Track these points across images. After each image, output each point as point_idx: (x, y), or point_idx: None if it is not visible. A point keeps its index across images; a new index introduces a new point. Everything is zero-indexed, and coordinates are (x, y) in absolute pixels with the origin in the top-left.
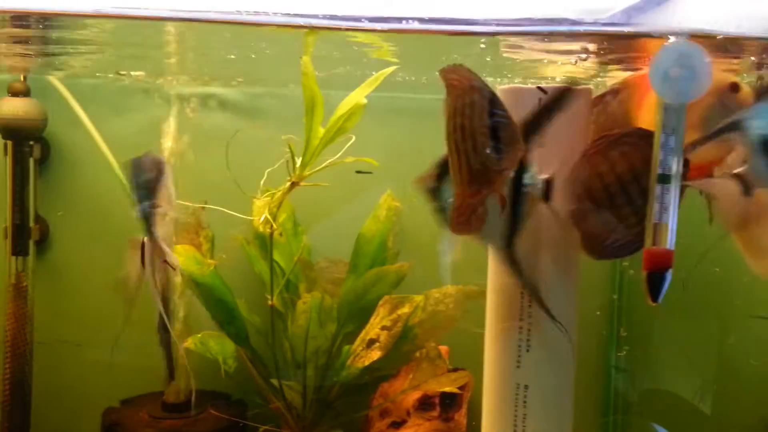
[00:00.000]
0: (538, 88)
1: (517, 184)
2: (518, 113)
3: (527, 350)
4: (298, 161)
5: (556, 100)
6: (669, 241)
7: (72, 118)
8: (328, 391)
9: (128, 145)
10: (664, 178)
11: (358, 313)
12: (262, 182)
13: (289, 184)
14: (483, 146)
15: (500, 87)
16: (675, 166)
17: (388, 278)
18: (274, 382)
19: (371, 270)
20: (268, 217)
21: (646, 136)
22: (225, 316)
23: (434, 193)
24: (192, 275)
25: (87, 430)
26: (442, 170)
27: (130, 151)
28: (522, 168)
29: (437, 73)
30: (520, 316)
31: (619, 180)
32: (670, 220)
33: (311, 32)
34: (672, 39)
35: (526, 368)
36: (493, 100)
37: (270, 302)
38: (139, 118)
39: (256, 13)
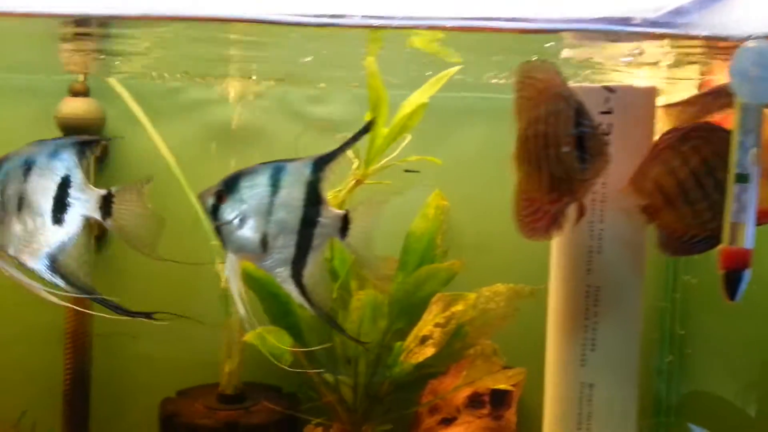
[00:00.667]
0: (605, 87)
1: (310, 217)
2: None
3: (592, 349)
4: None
5: None
6: (747, 240)
7: (129, 117)
8: (378, 386)
9: (186, 144)
10: (742, 178)
11: (409, 310)
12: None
13: (353, 182)
14: (567, 156)
15: None
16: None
17: (439, 276)
18: (328, 377)
19: (422, 267)
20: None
21: (715, 129)
22: (279, 310)
23: (214, 211)
24: (246, 270)
25: (144, 419)
26: (225, 188)
27: (187, 150)
28: (316, 198)
29: (508, 71)
30: (585, 316)
31: (694, 174)
32: (748, 219)
33: (376, 33)
34: (752, 40)
35: (591, 367)
36: (579, 110)
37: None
38: (197, 117)
39: (317, 15)
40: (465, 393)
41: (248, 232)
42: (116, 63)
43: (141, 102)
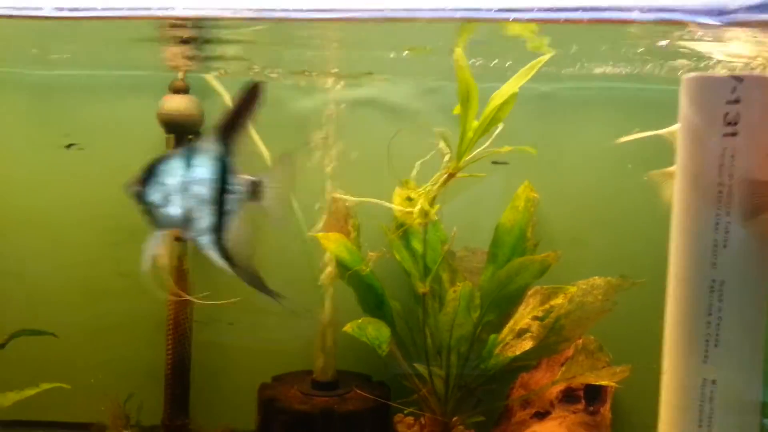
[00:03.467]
0: (732, 77)
1: (222, 186)
2: (709, 102)
3: (715, 345)
4: (447, 155)
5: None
6: None
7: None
8: (469, 378)
9: (280, 138)
10: None
11: (500, 303)
12: (412, 174)
13: (445, 175)
14: None
15: (686, 76)
16: None
17: (533, 268)
18: (420, 368)
19: (515, 260)
20: (425, 207)
21: None
22: (374, 302)
23: (139, 196)
24: (342, 261)
25: (240, 403)
26: (147, 174)
27: (282, 144)
28: (225, 170)
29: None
30: (708, 311)
31: None
32: None
33: (466, 25)
34: None
35: (713, 363)
36: None
37: (422, 290)
38: (291, 113)
39: (406, 9)
40: (558, 387)
41: (170, 209)
42: (214, 61)
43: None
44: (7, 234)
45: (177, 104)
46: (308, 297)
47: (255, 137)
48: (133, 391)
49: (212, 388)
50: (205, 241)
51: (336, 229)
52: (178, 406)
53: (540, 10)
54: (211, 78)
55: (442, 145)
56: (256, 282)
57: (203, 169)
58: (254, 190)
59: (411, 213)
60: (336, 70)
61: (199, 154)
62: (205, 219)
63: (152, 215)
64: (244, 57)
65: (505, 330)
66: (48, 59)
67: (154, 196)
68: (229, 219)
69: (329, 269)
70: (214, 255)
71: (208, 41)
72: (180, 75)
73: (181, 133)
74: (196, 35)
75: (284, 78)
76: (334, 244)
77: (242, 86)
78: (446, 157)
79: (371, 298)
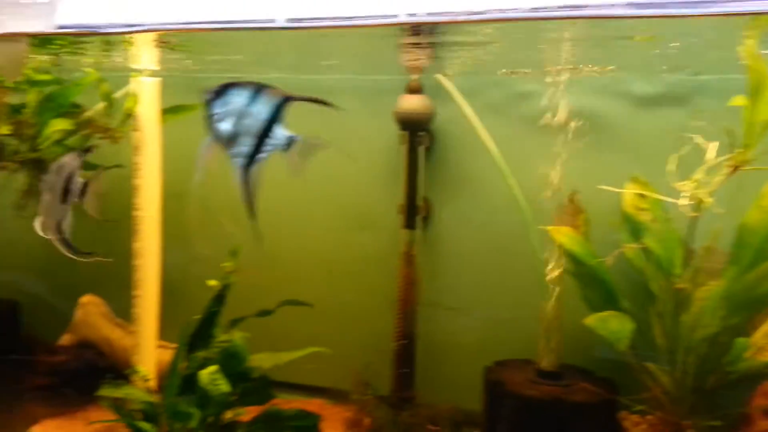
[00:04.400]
0: None
1: (268, 128)
2: None
3: None
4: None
5: None
6: None
7: (454, 111)
8: (707, 380)
9: (507, 135)
10: None
11: (747, 306)
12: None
13: (731, 168)
14: None
15: None
16: None
17: None
18: (651, 366)
19: (765, 263)
20: (704, 199)
21: None
22: (605, 297)
23: (208, 103)
24: (574, 255)
25: (462, 382)
26: (221, 90)
27: (512, 140)
28: (275, 118)
29: None
30: None
31: None
32: None
33: (758, 18)
34: None
35: None
36: None
37: (677, 286)
38: (523, 109)
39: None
40: None
41: (224, 125)
42: (447, 61)
43: (470, 96)
44: (265, 221)
45: (412, 103)
46: (532, 290)
47: (483, 135)
48: (368, 363)
49: (435, 366)
50: (240, 163)
51: (566, 223)
52: (406, 381)
53: None
54: (442, 78)
55: (700, 140)
56: (251, 209)
57: (262, 108)
58: (287, 143)
59: (644, 210)
60: (579, 64)
61: (265, 96)
62: (246, 147)
63: (210, 124)
64: (477, 56)
65: (758, 334)
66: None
67: (217, 109)
68: (261, 156)
69: (557, 263)
70: (238, 175)
71: (442, 44)
72: (415, 76)
73: (414, 130)
74: (432, 40)
75: (517, 75)
76: (566, 238)
77: None
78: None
79: (601, 294)
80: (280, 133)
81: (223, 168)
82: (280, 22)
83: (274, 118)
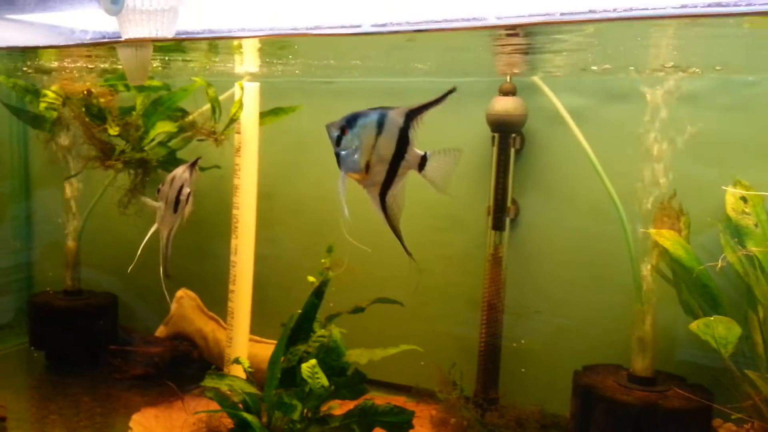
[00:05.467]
0: None
1: (399, 151)
2: None
3: None
4: None
5: None
6: None
7: (546, 113)
8: None
9: (604, 137)
10: None
11: None
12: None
13: None
14: None
15: None
16: None
17: None
18: (751, 374)
19: None
20: None
21: None
22: (709, 302)
23: (338, 140)
24: (678, 259)
25: (547, 386)
26: (347, 124)
27: (610, 142)
28: (404, 140)
29: None
30: None
31: None
32: None
33: None
34: None
35: None
36: None
37: None
38: (626, 111)
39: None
40: None
41: (356, 158)
42: (541, 63)
43: (567, 97)
44: (352, 219)
45: (505, 105)
46: (622, 295)
47: (579, 137)
48: (453, 363)
49: (518, 368)
50: (375, 192)
51: (667, 226)
52: (490, 381)
53: None
54: (537, 80)
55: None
56: (398, 235)
57: (389, 133)
58: (421, 162)
59: (747, 214)
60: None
61: (389, 120)
62: (380, 174)
63: (340, 158)
64: (569, 58)
65: None
66: (396, 68)
67: (345, 143)
68: (397, 179)
69: (654, 267)
70: (377, 204)
71: (536, 46)
72: (508, 78)
73: (506, 132)
74: (527, 41)
75: (617, 75)
76: (669, 242)
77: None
78: None
79: (706, 298)
80: (412, 152)
81: (309, 166)
82: (366, 27)
83: (403, 140)
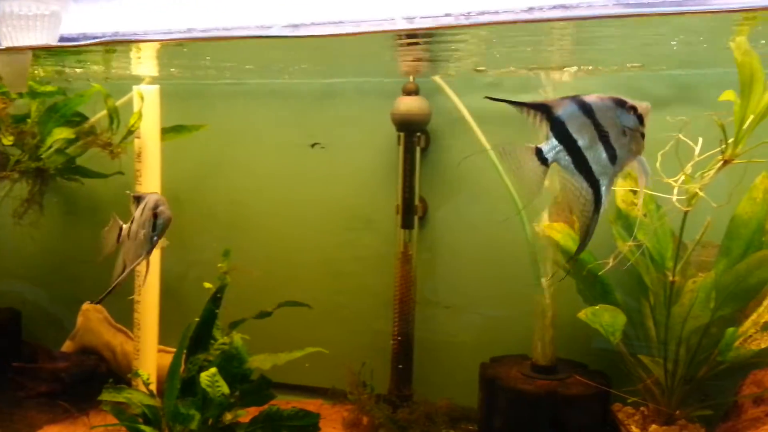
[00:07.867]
0: None
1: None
2: None
3: None
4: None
5: None
6: None
7: (450, 112)
8: (697, 371)
9: (502, 135)
10: None
11: (736, 297)
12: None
13: (720, 163)
14: None
15: None
16: None
17: None
18: (644, 358)
19: (755, 254)
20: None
21: None
22: (599, 291)
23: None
24: (569, 252)
25: (458, 379)
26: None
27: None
28: None
29: None
30: None
31: None
32: None
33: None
34: None
35: None
36: None
37: (671, 278)
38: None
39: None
40: None
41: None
42: (441, 64)
43: (464, 96)
44: (264, 223)
45: (409, 105)
46: (527, 287)
47: (478, 134)
48: (364, 362)
49: (432, 364)
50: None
51: (562, 219)
52: (403, 378)
53: None
54: (438, 79)
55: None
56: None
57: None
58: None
59: (635, 204)
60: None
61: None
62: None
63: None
64: (467, 59)
65: (747, 323)
66: (291, 70)
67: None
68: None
69: (552, 259)
70: (588, 213)
71: (436, 47)
72: (411, 78)
73: (411, 131)
74: (428, 43)
75: (507, 75)
76: (560, 234)
77: None
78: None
79: (597, 287)
80: None
81: (219, 170)
82: (277, 30)
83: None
